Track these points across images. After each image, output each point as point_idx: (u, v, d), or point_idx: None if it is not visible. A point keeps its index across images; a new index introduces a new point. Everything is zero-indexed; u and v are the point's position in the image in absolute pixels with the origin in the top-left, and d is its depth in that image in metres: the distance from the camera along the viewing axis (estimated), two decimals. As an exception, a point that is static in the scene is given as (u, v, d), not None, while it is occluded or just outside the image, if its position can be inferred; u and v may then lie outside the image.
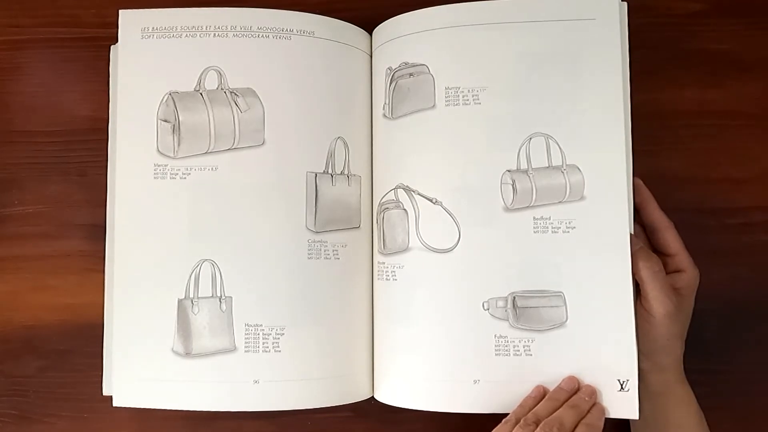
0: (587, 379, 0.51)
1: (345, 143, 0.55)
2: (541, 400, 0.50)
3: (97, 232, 0.57)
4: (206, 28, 0.54)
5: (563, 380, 0.51)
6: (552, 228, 0.52)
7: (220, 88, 0.54)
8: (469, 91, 0.53)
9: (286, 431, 0.59)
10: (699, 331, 0.54)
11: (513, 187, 0.52)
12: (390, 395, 0.54)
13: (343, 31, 0.56)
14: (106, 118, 0.56)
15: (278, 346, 0.53)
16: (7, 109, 0.61)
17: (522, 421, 0.48)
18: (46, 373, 0.59)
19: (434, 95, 0.54)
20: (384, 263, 0.55)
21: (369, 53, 0.58)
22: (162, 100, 0.54)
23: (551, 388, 0.51)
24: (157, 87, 0.54)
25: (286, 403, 0.52)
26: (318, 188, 0.54)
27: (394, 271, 0.54)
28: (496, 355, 0.52)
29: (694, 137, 0.59)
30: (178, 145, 0.54)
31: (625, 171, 0.51)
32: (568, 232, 0.52)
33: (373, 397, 0.55)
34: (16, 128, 0.61)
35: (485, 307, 0.52)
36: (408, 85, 0.54)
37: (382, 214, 0.55)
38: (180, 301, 0.53)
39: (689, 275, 0.52)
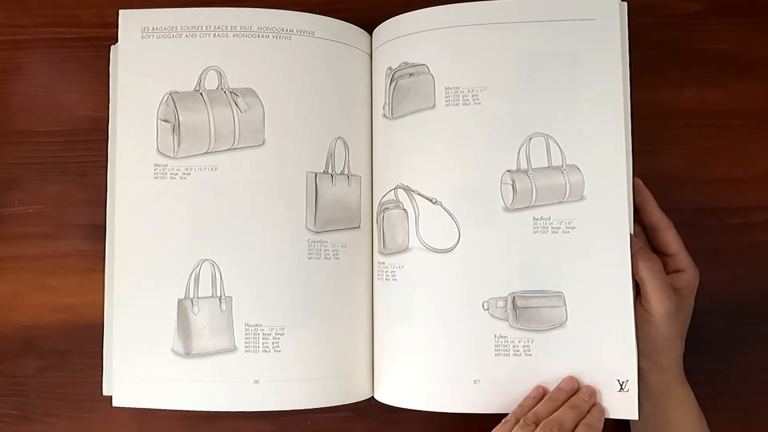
0: (587, 379, 0.51)
1: (345, 143, 0.55)
2: (540, 400, 0.50)
3: (97, 232, 0.57)
4: (206, 28, 0.54)
5: (563, 380, 0.51)
6: (552, 228, 0.52)
7: (220, 88, 0.54)
8: (469, 91, 0.53)
9: (286, 431, 0.59)
10: (699, 331, 0.54)
11: (513, 187, 0.52)
12: (390, 395, 0.54)
13: (343, 31, 0.56)
14: (106, 118, 0.56)
15: (278, 346, 0.53)
16: (7, 109, 0.61)
17: (522, 421, 0.48)
18: (46, 373, 0.59)
19: (434, 95, 0.54)
20: (384, 263, 0.55)
21: (369, 53, 0.58)
22: (162, 100, 0.54)
23: (551, 388, 0.51)
24: (157, 87, 0.54)
25: (286, 403, 0.52)
26: (318, 188, 0.54)
27: (394, 271, 0.54)
28: (495, 355, 0.52)
29: (694, 137, 0.59)
30: (178, 145, 0.54)
31: (625, 171, 0.51)
32: (568, 232, 0.52)
33: (373, 397, 0.55)
34: (16, 128, 0.61)
35: (485, 307, 0.52)
36: (408, 85, 0.54)
37: (382, 214, 0.55)
38: (180, 301, 0.53)
39: (689, 275, 0.52)
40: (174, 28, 0.54)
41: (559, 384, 0.51)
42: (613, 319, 0.51)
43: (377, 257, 0.56)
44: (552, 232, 0.52)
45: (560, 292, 0.52)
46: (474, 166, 0.53)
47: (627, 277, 0.51)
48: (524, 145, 0.53)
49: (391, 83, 0.55)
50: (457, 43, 0.54)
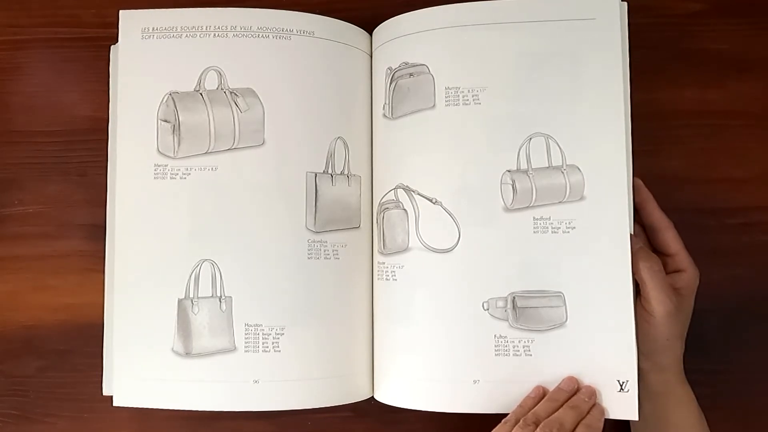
0: (587, 379, 0.51)
1: (345, 143, 0.55)
2: (540, 400, 0.50)
3: (97, 232, 0.57)
4: (206, 28, 0.54)
5: (563, 381, 0.51)
6: (552, 228, 0.52)
7: (220, 88, 0.54)
8: (469, 91, 0.53)
9: (286, 431, 0.59)
10: (699, 331, 0.54)
11: (513, 187, 0.52)
12: (390, 395, 0.54)
13: (343, 31, 0.56)
14: (106, 118, 0.56)
15: (278, 346, 0.53)
16: (7, 109, 0.61)
17: (522, 421, 0.48)
18: (46, 373, 0.59)
19: (434, 95, 0.54)
20: (384, 263, 0.55)
21: (369, 53, 0.58)
22: (162, 100, 0.54)
23: (551, 388, 0.51)
24: (157, 87, 0.54)
25: (286, 403, 0.52)
26: (318, 188, 0.54)
27: (394, 271, 0.54)
28: (495, 355, 0.52)
29: (694, 137, 0.59)
30: (178, 145, 0.54)
31: (625, 171, 0.51)
32: (568, 232, 0.52)
33: (373, 397, 0.55)
34: (16, 128, 0.61)
35: (485, 307, 0.52)
36: (408, 85, 0.54)
37: (382, 214, 0.55)
38: (180, 301, 0.53)
39: (689, 275, 0.52)
40: (174, 29, 0.54)
41: (559, 384, 0.51)
42: (613, 319, 0.51)
43: (377, 257, 0.56)
44: (552, 232, 0.52)
45: (560, 292, 0.52)
46: (474, 166, 0.53)
47: (627, 277, 0.51)
48: (524, 145, 0.53)
49: (391, 83, 0.55)
50: (457, 43, 0.54)
